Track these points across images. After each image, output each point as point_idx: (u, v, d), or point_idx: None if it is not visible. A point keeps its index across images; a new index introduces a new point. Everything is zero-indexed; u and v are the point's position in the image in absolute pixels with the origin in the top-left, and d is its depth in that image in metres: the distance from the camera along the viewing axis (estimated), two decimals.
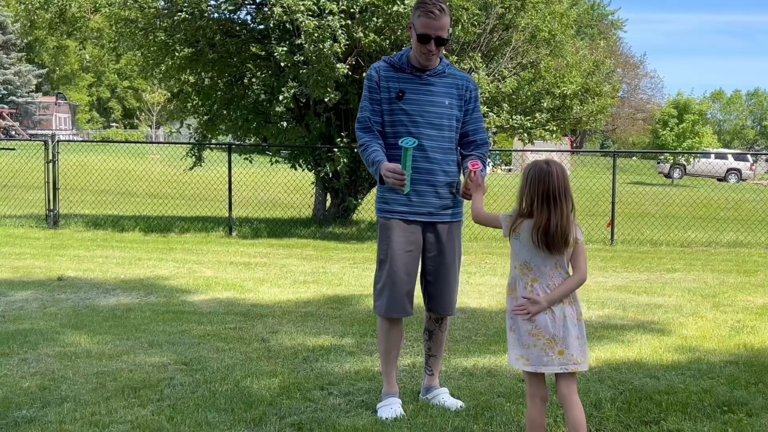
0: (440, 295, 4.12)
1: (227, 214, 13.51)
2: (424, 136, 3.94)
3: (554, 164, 3.21)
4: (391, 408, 3.95)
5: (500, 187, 20.11)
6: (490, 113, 13.45)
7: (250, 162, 14.87)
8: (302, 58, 11.88)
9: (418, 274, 4.11)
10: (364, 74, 12.97)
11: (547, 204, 3.14)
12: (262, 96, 12.88)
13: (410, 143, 3.80)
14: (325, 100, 12.13)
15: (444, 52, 4.14)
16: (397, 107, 3.98)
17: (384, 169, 3.83)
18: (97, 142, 34.36)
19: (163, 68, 13.58)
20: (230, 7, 12.90)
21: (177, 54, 13.07)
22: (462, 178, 4.04)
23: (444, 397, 4.16)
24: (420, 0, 3.91)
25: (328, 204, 14.87)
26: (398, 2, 11.47)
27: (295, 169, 14.56)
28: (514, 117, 13.66)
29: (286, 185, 15.98)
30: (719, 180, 36.33)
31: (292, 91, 12.12)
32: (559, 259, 3.23)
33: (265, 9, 12.39)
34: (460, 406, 4.05)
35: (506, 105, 13.55)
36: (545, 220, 3.14)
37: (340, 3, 11.79)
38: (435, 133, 3.98)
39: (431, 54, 3.91)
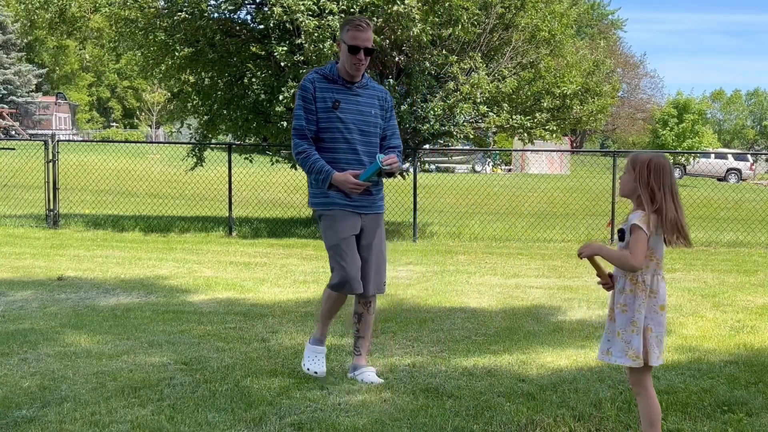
0: (375, 278, 4.61)
1: (227, 214, 13.51)
2: (357, 141, 4.50)
3: (662, 156, 3.36)
4: (314, 362, 4.57)
5: (500, 186, 20.12)
6: (490, 113, 13.45)
7: (250, 162, 14.87)
8: (302, 58, 11.89)
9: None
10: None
11: (672, 195, 3.25)
12: (262, 96, 12.88)
13: (380, 159, 4.39)
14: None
15: (366, 64, 4.51)
16: (333, 116, 4.47)
17: (348, 183, 4.38)
18: (97, 141, 34.35)
19: (163, 68, 13.59)
20: (230, 7, 12.90)
21: (177, 54, 13.08)
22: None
23: (369, 374, 4.56)
24: (347, 19, 4.58)
25: None
26: (398, 2, 11.48)
27: (295, 169, 14.55)
28: (514, 117, 13.65)
29: (286, 185, 15.98)
30: (719, 180, 36.32)
31: (292, 90, 12.11)
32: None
33: (265, 9, 12.39)
34: (380, 383, 4.47)
35: (506, 105, 13.55)
36: (675, 211, 3.24)
37: (340, 3, 11.79)
38: (365, 139, 4.54)
39: (361, 64, 4.44)
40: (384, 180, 4.62)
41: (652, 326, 3.31)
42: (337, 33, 11.53)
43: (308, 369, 4.56)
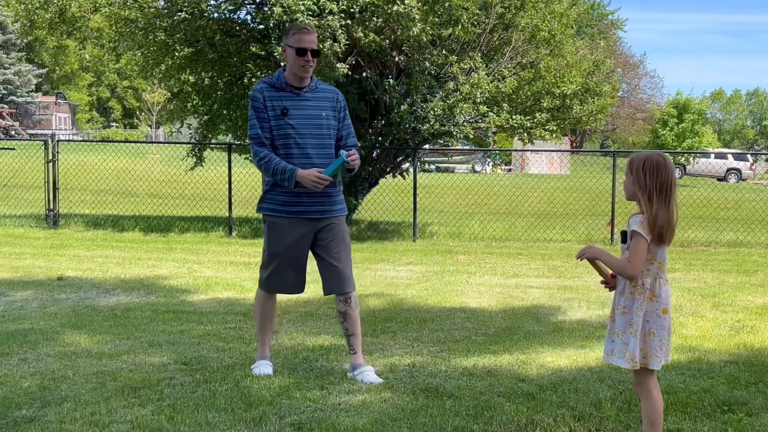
0: (343, 276, 4.73)
1: (227, 214, 13.51)
2: (309, 145, 4.62)
3: (662, 154, 3.34)
4: (261, 368, 4.70)
5: (500, 186, 20.11)
6: (490, 113, 13.45)
7: (251, 162, 14.84)
8: None
9: (312, 270, 4.85)
10: (364, 74, 13.03)
11: (666, 196, 3.24)
12: None
13: (344, 154, 4.53)
14: None
15: (315, 67, 4.67)
16: (284, 122, 4.63)
17: (312, 176, 4.48)
18: (97, 141, 34.34)
19: (163, 68, 13.58)
20: (230, 7, 12.89)
21: (177, 54, 13.07)
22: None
23: (368, 374, 4.60)
24: (289, 26, 4.83)
25: None
26: (398, 2, 11.47)
27: None
28: (514, 117, 13.65)
29: None
30: (719, 180, 36.32)
31: None
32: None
33: (265, 9, 12.38)
34: (380, 383, 4.51)
35: (506, 105, 13.54)
36: (666, 213, 3.24)
37: (340, 3, 11.78)
38: (318, 142, 4.66)
39: (309, 65, 4.61)
40: (345, 179, 4.71)
41: (654, 330, 3.31)
42: (337, 33, 11.54)
43: (255, 372, 4.69)
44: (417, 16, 11.60)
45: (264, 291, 4.84)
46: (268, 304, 4.85)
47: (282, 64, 12.09)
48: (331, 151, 4.68)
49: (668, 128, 37.47)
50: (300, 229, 4.65)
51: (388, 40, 12.45)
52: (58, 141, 13.91)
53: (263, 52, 12.58)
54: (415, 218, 13.23)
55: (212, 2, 13.00)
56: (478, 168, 35.89)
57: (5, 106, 52.38)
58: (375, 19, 11.78)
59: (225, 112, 13.92)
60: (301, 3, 11.50)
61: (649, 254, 3.28)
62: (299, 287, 4.85)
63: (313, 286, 8.02)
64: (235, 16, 13.72)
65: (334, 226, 4.72)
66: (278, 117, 4.62)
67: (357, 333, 4.75)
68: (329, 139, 4.70)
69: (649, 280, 3.33)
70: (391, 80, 13.14)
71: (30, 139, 25.48)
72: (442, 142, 15.78)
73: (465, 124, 13.62)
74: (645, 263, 3.28)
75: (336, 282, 4.74)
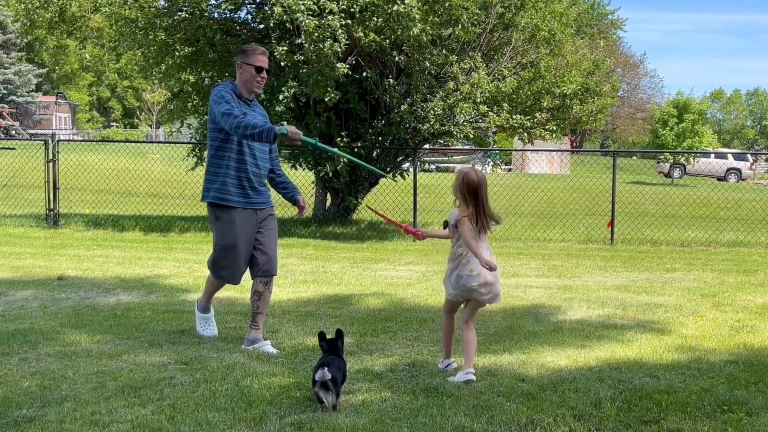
0: (272, 260, 5.40)
1: None
2: (256, 148, 5.35)
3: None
4: (209, 326, 5.65)
5: (500, 186, 20.10)
6: (490, 113, 13.45)
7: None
8: (302, 58, 11.88)
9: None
10: (364, 74, 13.03)
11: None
12: (262, 95, 12.86)
13: (316, 140, 5.41)
14: (325, 99, 12.13)
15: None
16: None
17: (294, 129, 5.09)
18: (97, 141, 34.34)
19: (164, 68, 13.57)
20: (230, 7, 12.89)
21: (177, 53, 13.07)
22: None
23: (267, 347, 5.26)
24: (246, 47, 5.45)
25: (328, 203, 14.88)
26: (398, 2, 11.47)
27: (296, 168, 14.55)
28: (514, 117, 13.65)
29: None
30: (719, 180, 36.32)
31: (292, 90, 12.12)
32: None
33: (266, 8, 12.39)
34: (278, 352, 5.17)
35: (506, 105, 13.54)
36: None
37: (340, 2, 11.78)
38: (261, 147, 5.39)
39: (263, 81, 5.42)
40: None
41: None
42: (337, 32, 11.55)
43: (202, 334, 5.55)
44: (417, 16, 11.60)
45: (221, 280, 5.54)
46: (220, 284, 5.64)
47: (282, 63, 12.14)
48: (267, 155, 5.48)
49: (668, 128, 37.44)
50: (248, 222, 5.31)
51: (388, 40, 12.45)
52: (58, 141, 13.91)
53: None
54: (415, 218, 13.23)
55: (212, 2, 13.01)
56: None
57: (5, 105, 52.39)
58: (375, 18, 11.78)
59: None
60: (301, 3, 11.50)
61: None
62: (239, 277, 5.45)
63: (313, 286, 8.05)
64: (236, 16, 13.74)
65: (267, 216, 5.44)
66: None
67: (265, 312, 5.41)
68: (266, 145, 5.41)
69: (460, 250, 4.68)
70: (391, 80, 13.14)
71: (30, 139, 25.49)
72: (442, 142, 15.79)
73: (465, 123, 13.63)
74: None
75: (269, 265, 5.39)
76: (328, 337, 4.37)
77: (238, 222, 5.26)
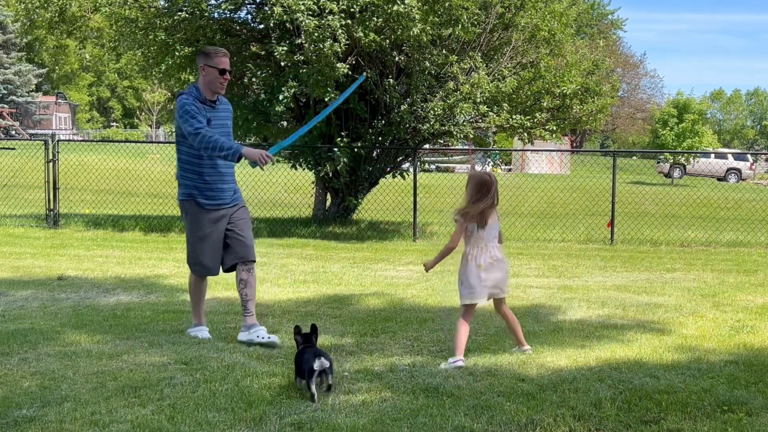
0: (250, 247, 5.64)
1: None
2: None
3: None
4: (202, 333, 5.66)
5: (500, 186, 20.07)
6: (490, 113, 13.45)
7: (250, 162, 14.83)
8: (302, 58, 11.88)
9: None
10: (364, 74, 13.02)
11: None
12: (263, 95, 12.88)
13: (284, 144, 6.12)
14: (325, 99, 12.13)
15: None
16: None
17: (261, 153, 5.32)
18: (97, 141, 34.31)
19: (163, 68, 13.58)
20: (230, 7, 12.89)
21: (177, 53, 13.08)
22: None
23: (263, 332, 5.46)
24: (209, 49, 5.65)
25: (328, 204, 14.88)
26: (398, 2, 11.47)
27: (296, 168, 14.56)
28: (514, 117, 13.65)
29: (286, 185, 15.98)
30: (719, 180, 36.31)
31: (292, 90, 12.12)
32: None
33: (265, 8, 12.39)
34: (278, 342, 5.40)
35: (506, 105, 13.54)
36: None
37: (340, 2, 11.78)
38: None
39: (226, 82, 5.60)
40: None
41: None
42: (337, 32, 11.55)
43: (196, 335, 5.62)
44: (417, 16, 11.60)
45: (198, 276, 5.73)
46: (202, 284, 5.78)
47: (282, 63, 12.15)
48: None
49: (668, 128, 37.44)
50: (213, 217, 5.57)
51: (388, 40, 12.45)
52: (58, 141, 13.91)
53: (263, 52, 12.58)
54: (415, 218, 13.24)
55: (212, 2, 13.01)
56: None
57: (5, 106, 52.38)
58: (375, 18, 11.78)
59: None
60: (301, 3, 11.50)
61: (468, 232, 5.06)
62: (216, 269, 5.69)
63: (313, 286, 8.04)
64: (236, 16, 13.73)
65: (235, 211, 5.68)
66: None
67: (253, 297, 5.60)
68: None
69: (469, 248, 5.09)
70: (391, 80, 13.14)
71: (30, 139, 25.49)
72: (442, 142, 15.79)
73: (465, 123, 13.62)
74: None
75: (247, 251, 5.60)
76: (303, 331, 4.63)
77: (208, 217, 5.56)
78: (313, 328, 4.62)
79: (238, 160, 5.36)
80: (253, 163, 5.32)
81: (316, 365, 4.13)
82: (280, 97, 12.12)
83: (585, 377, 4.63)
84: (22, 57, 57.41)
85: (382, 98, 13.34)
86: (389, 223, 14.75)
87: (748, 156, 42.03)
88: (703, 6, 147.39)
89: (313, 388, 4.12)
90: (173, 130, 18.34)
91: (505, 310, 5.27)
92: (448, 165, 34.53)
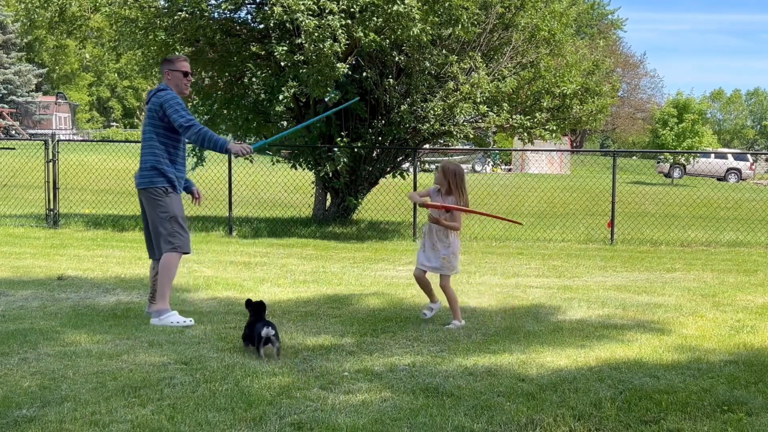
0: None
1: (227, 214, 13.51)
2: (181, 141, 6.20)
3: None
4: (178, 317, 6.06)
5: (500, 186, 20.11)
6: (490, 113, 13.45)
7: (251, 162, 14.86)
8: (302, 58, 11.88)
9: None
10: (364, 74, 13.04)
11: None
12: (262, 95, 12.87)
13: (266, 142, 7.63)
14: (325, 99, 12.13)
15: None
16: None
17: (245, 148, 6.09)
18: (97, 141, 34.32)
19: None
20: (230, 7, 12.90)
21: (177, 53, 13.08)
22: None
23: (176, 316, 6.04)
24: (171, 57, 6.37)
25: (328, 203, 14.88)
26: (398, 2, 11.47)
27: (296, 168, 14.56)
28: (514, 117, 13.66)
29: (286, 185, 15.98)
30: (719, 180, 36.32)
31: (292, 90, 12.12)
32: None
33: (266, 8, 12.39)
34: (191, 322, 5.99)
35: (506, 105, 13.55)
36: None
37: (340, 2, 11.78)
38: (183, 140, 6.24)
39: (189, 83, 6.29)
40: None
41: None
42: (337, 32, 11.56)
43: (183, 325, 5.95)
44: (417, 16, 11.60)
45: (180, 254, 6.16)
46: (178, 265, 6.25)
47: (282, 63, 12.15)
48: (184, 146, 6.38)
49: (668, 128, 37.44)
50: (180, 200, 6.19)
51: (388, 40, 12.45)
52: (58, 141, 13.92)
53: (263, 52, 12.58)
54: (415, 218, 13.23)
55: (212, 2, 13.01)
56: (478, 168, 35.90)
57: (5, 105, 52.36)
58: (375, 19, 11.78)
59: (225, 111, 13.92)
60: (301, 2, 11.51)
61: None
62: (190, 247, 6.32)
63: (313, 286, 8.04)
64: (236, 16, 13.74)
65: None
66: None
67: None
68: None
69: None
70: (391, 80, 13.14)
71: (30, 139, 25.48)
72: (442, 142, 15.79)
73: (465, 123, 13.63)
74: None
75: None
76: (254, 304, 5.33)
77: (180, 200, 6.24)
78: (262, 303, 5.32)
79: (225, 152, 6.08)
80: (235, 155, 6.07)
81: (264, 332, 4.92)
82: (280, 97, 12.12)
83: (585, 377, 4.63)
84: (22, 57, 57.39)
85: (382, 98, 13.34)
86: (389, 223, 14.75)
87: (748, 156, 42.04)
88: (703, 6, 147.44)
89: (261, 351, 4.95)
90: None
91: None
92: None
